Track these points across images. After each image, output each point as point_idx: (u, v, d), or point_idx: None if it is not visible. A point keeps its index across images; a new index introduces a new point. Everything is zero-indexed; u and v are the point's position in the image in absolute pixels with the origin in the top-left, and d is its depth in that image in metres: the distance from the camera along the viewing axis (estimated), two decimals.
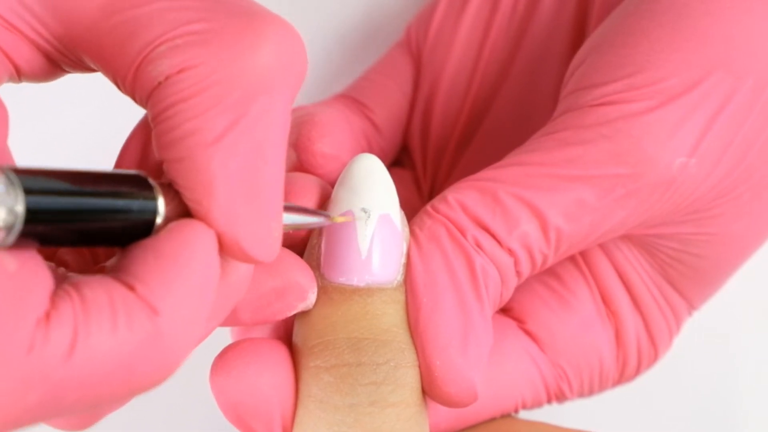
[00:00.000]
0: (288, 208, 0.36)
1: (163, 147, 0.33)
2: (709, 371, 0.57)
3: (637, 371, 0.45)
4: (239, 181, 0.33)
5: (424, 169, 0.48)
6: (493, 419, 0.43)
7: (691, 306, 0.44)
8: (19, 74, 0.34)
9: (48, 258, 0.35)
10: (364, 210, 0.38)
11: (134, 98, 0.34)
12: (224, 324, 0.36)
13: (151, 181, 0.33)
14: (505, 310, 0.43)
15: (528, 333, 0.43)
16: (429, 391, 0.38)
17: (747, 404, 0.57)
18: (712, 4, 0.39)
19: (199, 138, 0.32)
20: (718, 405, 0.57)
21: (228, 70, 0.32)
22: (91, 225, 0.32)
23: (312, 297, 0.38)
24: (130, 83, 0.33)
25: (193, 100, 0.32)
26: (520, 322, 0.43)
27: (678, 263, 0.43)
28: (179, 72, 0.32)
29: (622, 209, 0.39)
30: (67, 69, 0.35)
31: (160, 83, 0.32)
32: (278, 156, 0.33)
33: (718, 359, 0.57)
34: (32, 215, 0.30)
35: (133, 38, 0.33)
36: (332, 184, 0.40)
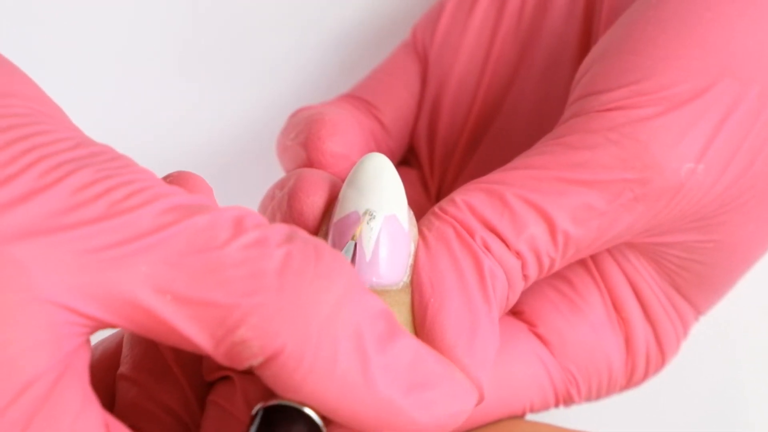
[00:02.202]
0: None
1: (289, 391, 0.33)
2: (713, 373, 0.57)
3: (645, 377, 0.45)
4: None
5: (431, 170, 0.48)
6: (499, 421, 0.43)
7: (698, 311, 0.44)
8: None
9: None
10: (369, 211, 0.38)
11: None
12: None
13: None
14: (516, 313, 0.43)
15: (539, 336, 0.43)
16: None
17: (751, 406, 0.57)
18: (718, 11, 0.39)
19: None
20: (721, 406, 0.57)
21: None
22: None
23: None
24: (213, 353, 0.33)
25: (299, 374, 0.33)
26: (531, 325, 0.43)
27: (684, 271, 0.43)
28: (273, 356, 0.32)
29: (629, 214, 0.39)
30: None
31: (258, 365, 0.33)
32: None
33: (722, 361, 0.57)
34: None
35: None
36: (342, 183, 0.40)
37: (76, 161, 0.32)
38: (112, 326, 0.33)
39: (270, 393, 0.34)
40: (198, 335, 0.32)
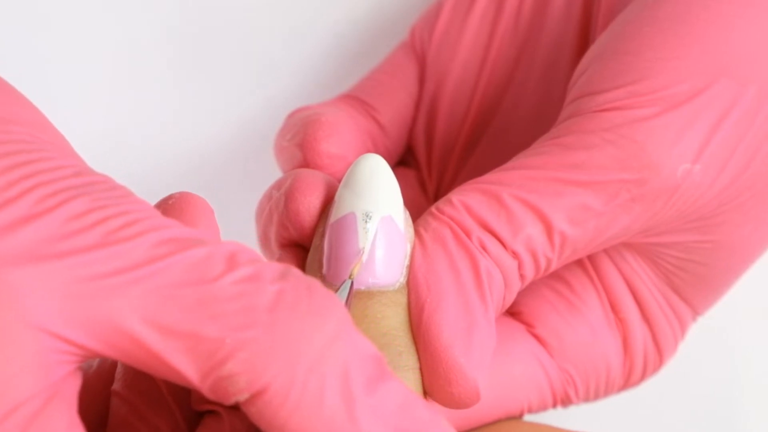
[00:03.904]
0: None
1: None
2: (711, 373, 0.57)
3: (642, 377, 0.45)
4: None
5: (429, 170, 0.47)
6: (497, 421, 0.43)
7: (696, 312, 0.44)
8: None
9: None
10: (366, 212, 0.38)
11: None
12: None
13: None
14: (514, 314, 0.43)
15: (537, 337, 0.43)
16: (432, 391, 0.38)
17: (749, 406, 0.57)
18: (714, 12, 0.39)
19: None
20: (719, 407, 0.57)
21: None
22: None
23: None
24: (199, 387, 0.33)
25: (284, 411, 0.32)
26: (529, 326, 0.43)
27: (682, 271, 0.43)
28: (259, 393, 0.32)
29: (626, 214, 0.39)
30: None
31: (244, 400, 0.32)
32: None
33: (720, 361, 0.57)
34: None
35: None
36: (338, 184, 0.40)
37: (74, 189, 0.32)
38: (101, 356, 0.32)
39: (257, 429, 0.34)
40: (186, 368, 0.32)
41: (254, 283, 0.32)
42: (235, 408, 0.33)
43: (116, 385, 0.38)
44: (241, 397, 0.32)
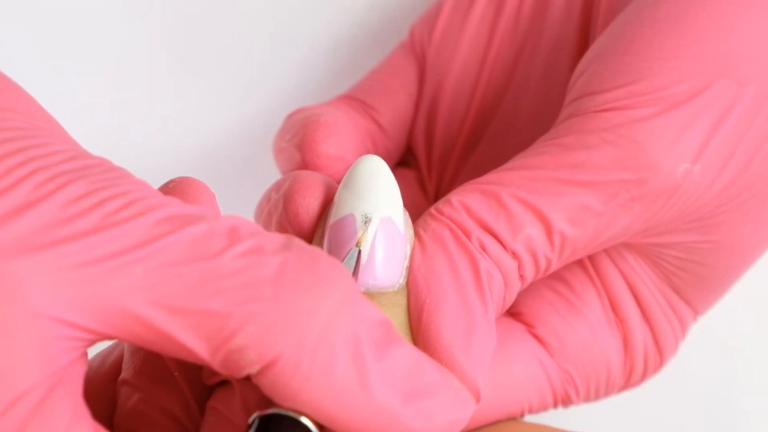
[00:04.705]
0: None
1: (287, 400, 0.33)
2: (711, 373, 0.57)
3: (643, 377, 0.45)
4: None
5: (429, 171, 0.47)
6: (497, 422, 0.43)
7: (696, 312, 0.44)
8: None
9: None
10: (365, 213, 0.38)
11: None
12: None
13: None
14: (514, 314, 0.43)
15: (537, 337, 0.43)
16: None
17: (750, 406, 0.57)
18: (714, 12, 0.39)
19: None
20: (720, 407, 0.57)
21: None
22: None
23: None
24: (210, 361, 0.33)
25: (296, 381, 0.33)
26: (529, 326, 0.43)
27: (682, 271, 0.43)
28: (270, 364, 0.32)
29: (626, 214, 0.39)
30: None
31: (256, 373, 0.33)
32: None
33: (721, 361, 0.57)
34: None
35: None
36: (338, 185, 0.40)
37: (71, 173, 0.32)
38: (111, 338, 0.33)
39: (268, 399, 0.34)
40: (195, 344, 0.32)
41: (257, 256, 0.32)
42: (247, 379, 0.33)
43: (124, 375, 0.38)
44: (253, 370, 0.32)
